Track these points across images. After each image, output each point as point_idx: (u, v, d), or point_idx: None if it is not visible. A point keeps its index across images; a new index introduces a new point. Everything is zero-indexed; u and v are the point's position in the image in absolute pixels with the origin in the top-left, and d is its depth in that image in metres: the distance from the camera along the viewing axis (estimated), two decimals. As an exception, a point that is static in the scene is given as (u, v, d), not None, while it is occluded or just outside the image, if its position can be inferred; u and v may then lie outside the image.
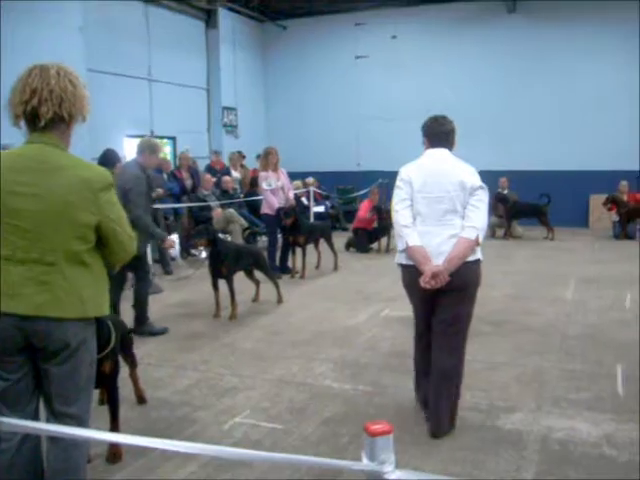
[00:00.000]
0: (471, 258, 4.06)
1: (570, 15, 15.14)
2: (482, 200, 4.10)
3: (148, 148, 6.63)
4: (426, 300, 4.22)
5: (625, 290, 8.30)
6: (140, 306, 6.65)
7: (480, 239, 4.04)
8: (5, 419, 2.34)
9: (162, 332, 6.61)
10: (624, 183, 13.78)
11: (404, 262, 4.21)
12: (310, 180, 15.44)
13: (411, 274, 4.15)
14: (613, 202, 13.55)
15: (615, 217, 13.77)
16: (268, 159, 9.79)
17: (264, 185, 9.70)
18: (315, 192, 14.98)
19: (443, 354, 4.18)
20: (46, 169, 2.68)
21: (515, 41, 15.62)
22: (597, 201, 14.59)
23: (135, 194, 6.25)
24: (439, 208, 4.08)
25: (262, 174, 9.83)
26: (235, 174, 13.43)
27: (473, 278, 4.14)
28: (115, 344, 3.81)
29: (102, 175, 2.81)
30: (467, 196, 4.07)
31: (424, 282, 3.98)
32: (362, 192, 15.14)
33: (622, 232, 13.46)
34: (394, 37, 16.70)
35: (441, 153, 4.33)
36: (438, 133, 4.44)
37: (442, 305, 4.16)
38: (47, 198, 2.64)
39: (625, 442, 3.99)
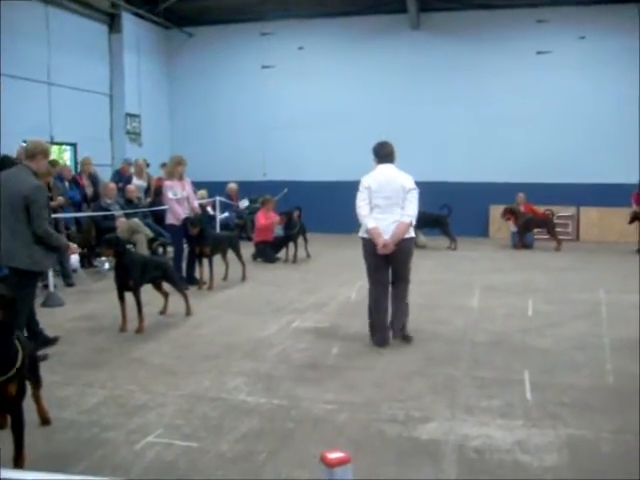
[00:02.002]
0: (407, 235, 6.29)
1: (472, 30, 15.68)
2: (414, 196, 6.28)
3: (42, 151, 5.94)
4: (378, 262, 6.33)
5: (527, 297, 8.59)
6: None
7: (413, 223, 6.29)
8: None
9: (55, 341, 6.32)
10: (521, 195, 14.33)
11: (365, 236, 6.32)
12: (233, 186, 15.29)
13: (369, 244, 6.29)
14: (511, 213, 14.05)
15: (513, 228, 14.28)
16: (176, 168, 9.58)
17: (170, 194, 9.48)
18: (233, 195, 14.95)
19: (400, 289, 6.46)
20: None
21: (418, 55, 16.06)
22: (497, 212, 15.10)
23: (39, 207, 5.67)
24: (388, 202, 6.22)
25: (168, 183, 9.60)
26: (139, 182, 13.07)
27: (409, 247, 6.41)
28: (22, 364, 3.58)
29: None
30: (405, 194, 6.23)
31: (380, 250, 6.17)
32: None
33: (520, 242, 13.97)
34: (301, 48, 16.79)
35: (388, 167, 6.43)
36: (385, 154, 6.49)
37: (394, 264, 6.36)
38: None
39: (537, 447, 4.08)
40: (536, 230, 14.30)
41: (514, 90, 15.44)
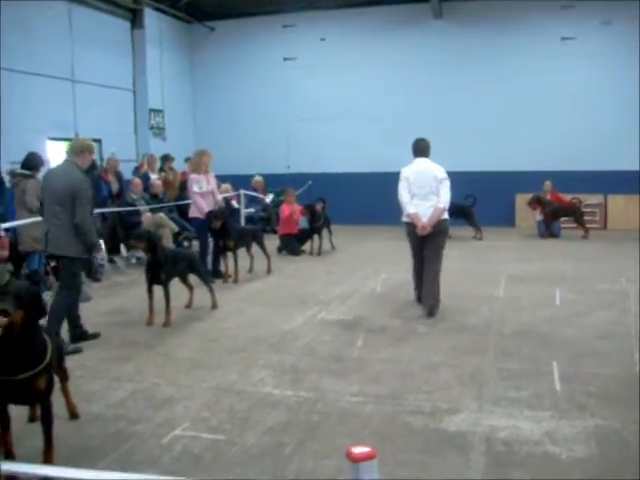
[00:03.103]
0: (442, 217, 7.30)
1: (496, 18, 15.51)
2: (446, 185, 7.28)
3: (87, 148, 6.35)
4: (418, 241, 7.37)
5: (554, 287, 8.50)
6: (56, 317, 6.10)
7: (446, 207, 7.31)
8: None
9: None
10: (548, 183, 14.16)
11: (407, 220, 7.38)
12: (259, 179, 15.33)
13: (411, 226, 7.32)
14: (537, 202, 13.89)
15: (539, 216, 14.13)
16: (202, 161, 9.59)
17: (195, 188, 9.50)
18: (259, 187, 14.98)
19: (434, 264, 7.32)
20: None
21: (441, 45, 15.89)
22: (523, 200, 14.94)
23: (83, 198, 6.02)
24: (423, 191, 7.26)
25: (193, 176, 9.61)
26: (152, 176, 13.02)
27: (444, 228, 7.43)
28: (51, 358, 3.62)
29: None
30: (438, 184, 7.24)
31: (419, 231, 7.19)
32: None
33: (546, 231, 13.82)
34: (323, 39, 16.72)
35: (423, 160, 7.46)
36: (420, 149, 7.52)
37: (430, 243, 7.30)
38: None
39: (566, 439, 4.03)
40: (563, 219, 14.13)
41: (539, 77, 15.22)
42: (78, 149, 6.28)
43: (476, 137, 15.63)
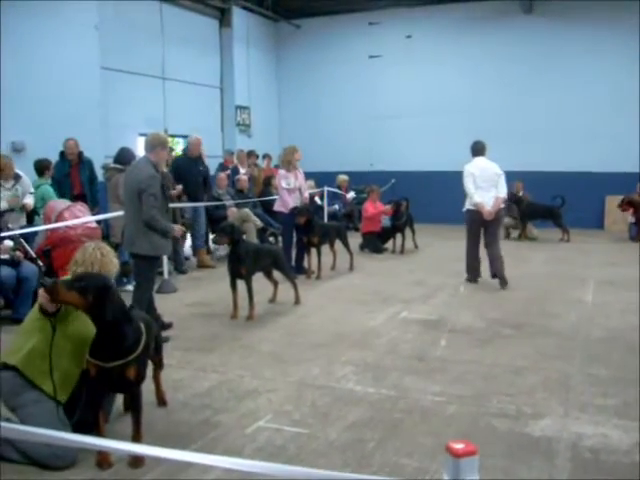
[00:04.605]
0: (502, 206, 8.83)
1: (587, 16, 15.07)
2: (503, 179, 8.71)
3: (160, 144, 6.24)
4: (479, 226, 8.72)
5: (645, 293, 8.19)
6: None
7: (505, 197, 8.84)
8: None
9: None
10: (641, 185, 13.65)
11: (472, 208, 8.67)
12: (344, 177, 15.41)
13: (474, 213, 8.64)
14: (629, 204, 13.41)
15: (631, 219, 13.63)
16: (294, 157, 9.70)
17: (283, 184, 9.61)
18: (343, 186, 15.07)
19: (495, 245, 8.71)
20: None
21: (531, 41, 15.53)
22: (613, 203, 14.45)
23: (149, 194, 5.93)
24: (486, 185, 8.61)
25: (282, 172, 9.73)
26: (242, 171, 13.26)
27: (502, 214, 9.09)
28: (142, 349, 3.74)
29: None
30: (497, 178, 8.67)
31: (485, 216, 8.51)
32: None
33: (638, 234, 13.31)
34: (409, 37, 16.65)
35: (482, 159, 8.84)
36: (478, 149, 8.91)
37: (491, 227, 8.70)
38: None
39: (657, 450, 3.90)
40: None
41: (632, 76, 14.66)
42: (150, 145, 6.20)
43: (565, 136, 15.24)
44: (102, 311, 3.61)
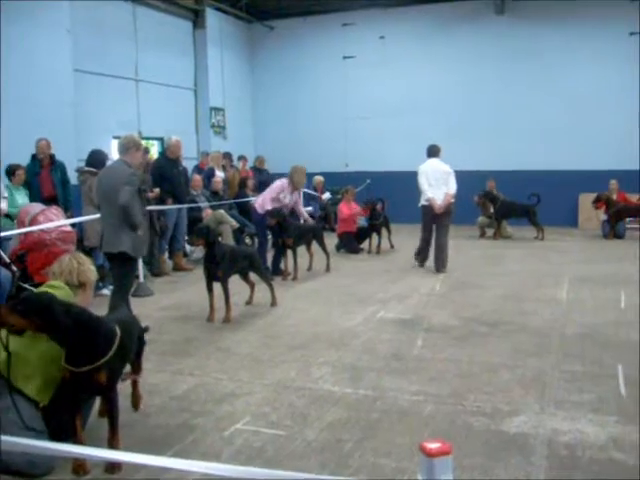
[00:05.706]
0: (451, 200, 9.82)
1: (559, 16, 15.20)
2: (453, 176, 9.86)
3: (134, 145, 6.22)
4: (431, 220, 9.89)
5: (619, 289, 8.29)
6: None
7: (454, 193, 9.82)
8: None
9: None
10: (613, 182, 13.83)
11: (426, 203, 9.79)
12: (319, 178, 15.39)
13: (428, 208, 9.77)
14: (602, 201, 13.57)
15: (603, 216, 13.80)
16: (303, 180, 9.98)
17: (280, 195, 9.63)
18: (319, 187, 15.09)
19: (443, 236, 9.87)
20: None
21: (503, 42, 15.67)
22: (586, 200, 14.62)
23: (130, 186, 5.92)
24: (438, 182, 9.73)
25: (285, 184, 9.73)
26: (219, 174, 13.20)
27: (451, 209, 9.91)
28: (115, 353, 3.69)
29: None
30: (447, 176, 9.80)
31: (437, 210, 9.65)
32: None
33: (611, 231, 13.48)
34: (382, 37, 16.69)
35: (435, 160, 10.01)
36: (433, 152, 10.06)
37: (441, 219, 9.83)
38: None
39: (632, 445, 3.93)
40: (627, 219, 13.77)
41: (604, 74, 14.86)
42: (124, 147, 6.20)
43: (538, 135, 15.36)
44: (54, 328, 3.53)
